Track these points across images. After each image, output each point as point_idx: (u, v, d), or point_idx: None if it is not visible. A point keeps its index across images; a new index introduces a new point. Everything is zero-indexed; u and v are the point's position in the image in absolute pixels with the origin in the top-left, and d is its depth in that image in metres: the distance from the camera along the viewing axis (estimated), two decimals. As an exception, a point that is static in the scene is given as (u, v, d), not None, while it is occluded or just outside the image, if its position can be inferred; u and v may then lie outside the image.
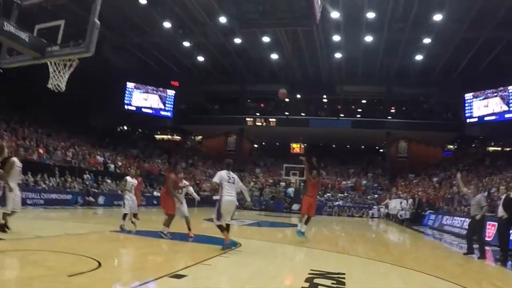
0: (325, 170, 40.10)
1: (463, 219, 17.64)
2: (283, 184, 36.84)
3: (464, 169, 30.77)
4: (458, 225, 18.14)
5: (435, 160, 39.34)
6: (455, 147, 43.49)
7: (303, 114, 40.07)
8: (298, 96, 40.95)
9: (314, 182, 11.81)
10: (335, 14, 25.73)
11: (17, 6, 6.53)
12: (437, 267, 8.30)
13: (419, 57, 31.60)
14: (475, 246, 10.33)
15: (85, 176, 25.35)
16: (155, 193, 27.98)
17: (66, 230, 10.08)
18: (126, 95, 38.69)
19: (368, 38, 28.96)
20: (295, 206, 32.99)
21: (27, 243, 7.69)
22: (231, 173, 8.61)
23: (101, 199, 23.94)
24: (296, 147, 43.00)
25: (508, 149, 37.17)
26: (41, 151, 24.34)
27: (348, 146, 45.50)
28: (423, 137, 39.04)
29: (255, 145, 47.70)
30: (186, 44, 32.14)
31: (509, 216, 9.70)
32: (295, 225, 17.72)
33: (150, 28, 29.67)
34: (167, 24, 28.37)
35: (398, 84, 37.37)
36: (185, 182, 10.66)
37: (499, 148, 38.76)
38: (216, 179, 8.35)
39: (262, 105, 42.08)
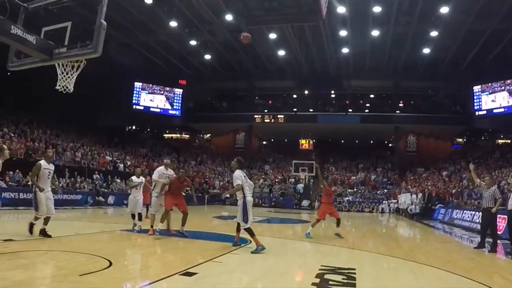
0: (334, 166, 40.17)
1: (473, 212, 17.53)
2: (292, 180, 36.85)
3: (474, 162, 30.51)
4: (468, 219, 18.02)
5: (444, 153, 39.10)
6: (464, 140, 43.05)
7: (311, 110, 40.07)
8: (306, 92, 40.91)
9: (330, 190, 11.87)
10: (341, 9, 25.68)
11: (24, 10, 6.58)
12: (448, 261, 8.24)
13: (426, 50, 31.35)
14: (487, 240, 10.24)
15: (94, 176, 25.61)
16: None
17: (76, 230, 10.15)
18: (134, 94, 38.82)
19: (375, 32, 28.80)
20: (305, 202, 33.04)
21: (38, 244, 7.73)
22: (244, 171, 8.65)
23: (111, 199, 24.17)
24: (304, 143, 43.06)
25: (517, 141, 36.81)
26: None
27: (357, 141, 45.38)
28: (432, 130, 38.84)
29: (264, 142, 47.73)
30: (193, 42, 32.11)
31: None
32: (305, 221, 17.74)
33: (156, 27, 29.69)
34: (173, 23, 28.37)
35: (406, 78, 37.22)
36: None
37: (509, 141, 38.31)
38: (239, 181, 8.18)
39: (270, 101, 42.17)
